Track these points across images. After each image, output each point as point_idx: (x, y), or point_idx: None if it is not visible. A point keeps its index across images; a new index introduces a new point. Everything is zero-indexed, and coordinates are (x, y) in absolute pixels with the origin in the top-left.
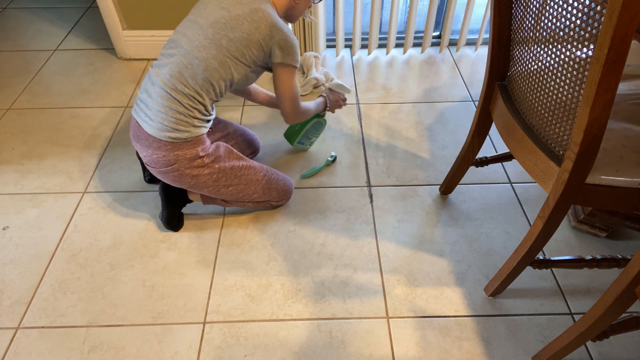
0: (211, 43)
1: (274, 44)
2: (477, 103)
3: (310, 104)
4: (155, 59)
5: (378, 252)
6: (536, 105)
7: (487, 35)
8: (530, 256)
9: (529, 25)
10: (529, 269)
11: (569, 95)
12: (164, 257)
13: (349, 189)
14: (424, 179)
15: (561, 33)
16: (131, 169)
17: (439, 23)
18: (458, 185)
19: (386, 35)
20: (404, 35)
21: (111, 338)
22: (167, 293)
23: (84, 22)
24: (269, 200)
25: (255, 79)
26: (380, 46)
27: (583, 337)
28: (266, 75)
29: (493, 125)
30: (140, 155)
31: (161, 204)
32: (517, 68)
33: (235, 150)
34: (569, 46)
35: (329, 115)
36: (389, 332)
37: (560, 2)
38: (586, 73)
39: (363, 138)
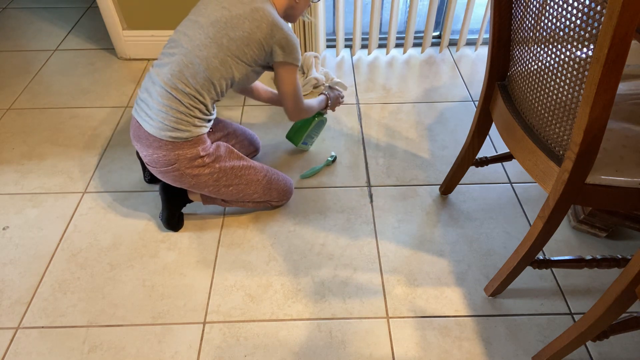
0: (212, 42)
1: (274, 43)
2: (477, 103)
3: (313, 101)
4: (155, 59)
5: (378, 252)
6: (536, 105)
7: (487, 35)
8: (530, 256)
9: (529, 25)
10: (529, 269)
11: (569, 95)
12: (164, 257)
13: (349, 189)
14: (424, 179)
15: (561, 33)
16: (131, 169)
17: (439, 23)
18: (458, 185)
19: (386, 35)
20: (404, 35)
21: (111, 338)
22: (167, 293)
23: (84, 22)
24: (269, 200)
25: (255, 78)
26: (380, 46)
27: (583, 337)
28: (267, 75)
29: (493, 125)
30: (140, 154)
31: (161, 204)
32: (517, 68)
33: (235, 150)
34: (569, 46)
35: (328, 115)
36: (389, 332)
37: (560, 2)
38: (586, 73)
39: (363, 138)
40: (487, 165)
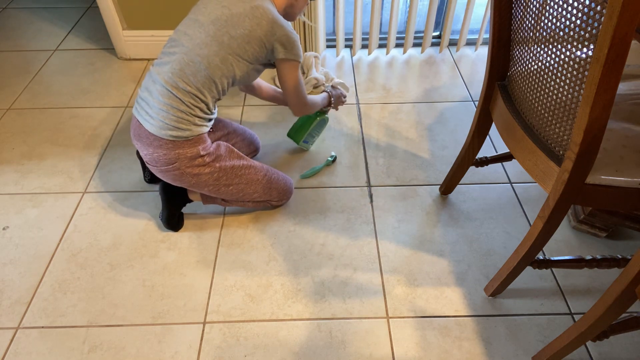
0: (213, 40)
1: (275, 41)
2: (477, 103)
3: (316, 97)
4: (155, 59)
5: (378, 252)
6: (536, 105)
7: (487, 35)
8: (530, 256)
9: (529, 25)
10: (529, 269)
11: (569, 95)
12: (164, 257)
13: (349, 189)
14: (424, 179)
15: (561, 33)
16: (131, 169)
17: (439, 23)
18: (458, 185)
19: (386, 35)
20: (404, 35)
21: (111, 338)
22: (167, 293)
23: (84, 22)
24: (269, 200)
25: (256, 76)
26: (380, 46)
27: (583, 337)
28: (267, 73)
29: (493, 125)
30: (141, 154)
31: (161, 203)
32: (517, 68)
33: (236, 150)
34: (569, 46)
35: (329, 115)
36: (389, 332)
37: (560, 2)
38: (586, 73)
39: (363, 138)
40: (487, 165)
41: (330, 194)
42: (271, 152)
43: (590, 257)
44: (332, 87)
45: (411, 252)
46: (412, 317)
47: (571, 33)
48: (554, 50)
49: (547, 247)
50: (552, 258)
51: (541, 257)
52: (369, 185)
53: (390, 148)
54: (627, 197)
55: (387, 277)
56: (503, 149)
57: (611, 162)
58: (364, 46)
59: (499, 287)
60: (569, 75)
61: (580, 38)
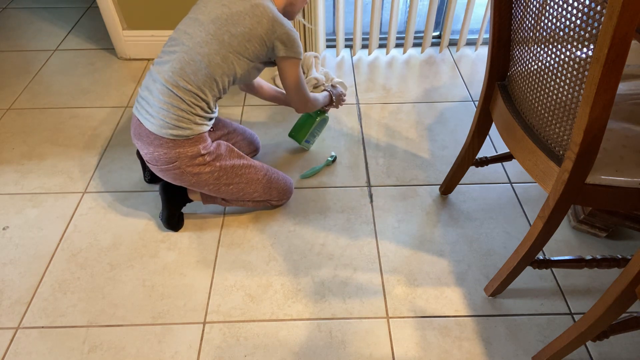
0: (213, 39)
1: (275, 39)
2: (477, 103)
3: (318, 95)
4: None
5: (378, 252)
6: (536, 105)
7: (487, 35)
8: (530, 256)
9: (529, 25)
10: (529, 269)
11: (569, 95)
12: (164, 257)
13: (349, 189)
14: (424, 179)
15: (561, 33)
16: (131, 169)
17: (439, 23)
18: (458, 185)
19: (386, 35)
20: (404, 35)
21: (111, 338)
22: (167, 293)
23: (84, 22)
24: (269, 200)
25: (257, 74)
26: (381, 46)
27: (583, 337)
28: (267, 73)
29: (493, 125)
30: (141, 153)
31: (161, 203)
32: (517, 68)
33: (236, 149)
34: (569, 46)
35: (329, 114)
36: (389, 332)
37: (560, 2)
38: (586, 73)
39: (363, 138)
40: (487, 165)
41: (330, 194)
42: (271, 152)
43: (590, 257)
44: (332, 86)
45: (411, 252)
46: (412, 317)
47: (571, 33)
48: (554, 50)
49: (547, 247)
50: (552, 258)
51: (541, 257)
52: (369, 185)
53: (390, 148)
54: (627, 197)
55: (387, 277)
56: (503, 149)
57: (611, 162)
58: (364, 46)
59: (499, 287)
60: (569, 75)
61: (580, 38)
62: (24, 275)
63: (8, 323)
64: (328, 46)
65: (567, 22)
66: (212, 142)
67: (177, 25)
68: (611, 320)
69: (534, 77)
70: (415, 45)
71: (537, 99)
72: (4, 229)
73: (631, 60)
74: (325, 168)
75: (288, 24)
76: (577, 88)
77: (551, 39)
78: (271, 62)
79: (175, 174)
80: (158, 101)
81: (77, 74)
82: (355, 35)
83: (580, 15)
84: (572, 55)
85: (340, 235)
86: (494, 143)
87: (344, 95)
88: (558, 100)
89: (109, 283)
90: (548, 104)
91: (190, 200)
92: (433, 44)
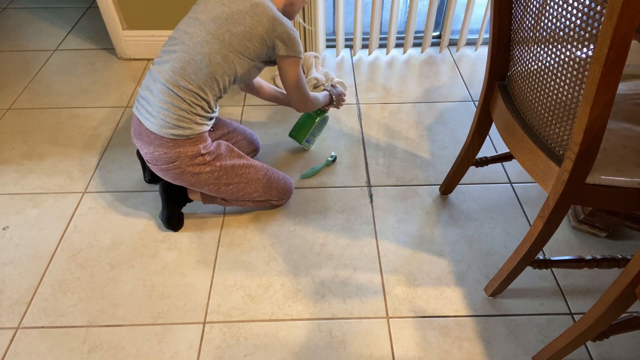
0: (213, 38)
1: (276, 38)
2: (477, 103)
3: (318, 94)
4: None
5: (378, 252)
6: (536, 105)
7: (487, 35)
8: (530, 256)
9: (529, 25)
10: (529, 269)
11: (569, 95)
12: (164, 257)
13: (349, 189)
14: (424, 179)
15: (561, 33)
16: (131, 169)
17: (439, 23)
18: (458, 185)
19: (386, 35)
20: (404, 35)
21: (111, 338)
22: (167, 293)
23: (84, 22)
24: (269, 200)
25: (257, 73)
26: (381, 46)
27: (583, 337)
28: (267, 73)
29: (493, 125)
30: (141, 152)
31: (161, 203)
32: (517, 68)
33: (236, 149)
34: (569, 46)
35: (329, 114)
36: (389, 332)
37: (560, 2)
38: (586, 73)
39: (363, 138)
40: (487, 165)
41: (330, 194)
42: (271, 152)
43: (590, 257)
44: (332, 86)
45: (411, 252)
46: (412, 317)
47: (571, 33)
48: (554, 50)
49: (547, 247)
50: (552, 258)
51: (541, 257)
52: (369, 185)
53: (390, 148)
54: (627, 197)
55: (387, 277)
56: (503, 149)
57: (611, 162)
58: (364, 46)
59: (499, 287)
60: (569, 75)
61: (580, 38)
62: (24, 275)
63: (8, 323)
64: (328, 46)
65: (567, 22)
66: (212, 141)
67: (177, 25)
68: (611, 320)
69: (534, 77)
70: (415, 45)
71: (537, 99)
72: (4, 229)
73: (631, 60)
74: (325, 168)
75: (288, 23)
76: (577, 88)
77: (551, 39)
78: (271, 62)
79: (176, 174)
80: (158, 101)
81: (77, 74)
82: (355, 35)
83: (580, 15)
84: (572, 55)
85: (340, 235)
86: (494, 143)
87: (344, 95)
88: (558, 100)
89: (109, 283)
90: (548, 104)
91: (190, 200)
92: (433, 44)
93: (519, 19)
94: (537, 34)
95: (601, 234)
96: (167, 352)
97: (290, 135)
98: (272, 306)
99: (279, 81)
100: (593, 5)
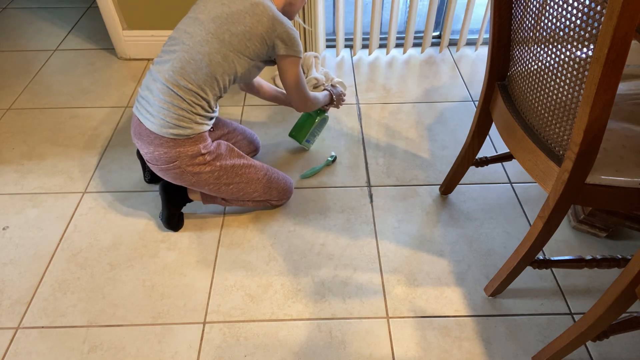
0: (213, 38)
1: (276, 37)
2: (477, 103)
3: (318, 94)
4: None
5: (378, 252)
6: (536, 105)
7: (487, 35)
8: (530, 256)
9: (529, 25)
10: (529, 269)
11: (569, 95)
12: (164, 257)
13: (349, 189)
14: (424, 179)
15: (561, 33)
16: (131, 169)
17: (439, 23)
18: (458, 185)
19: (386, 35)
20: (404, 35)
21: (111, 338)
22: (167, 293)
23: (84, 22)
24: (269, 200)
25: (257, 73)
26: (381, 46)
27: (583, 337)
28: (267, 73)
29: (493, 125)
30: (141, 152)
31: (161, 203)
32: (517, 68)
33: (236, 149)
34: (569, 46)
35: (329, 114)
36: (389, 332)
37: (560, 2)
38: (586, 73)
39: (363, 138)
40: (487, 165)
41: (330, 194)
42: (271, 152)
43: (590, 257)
44: (332, 85)
45: (411, 252)
46: (412, 317)
47: (571, 33)
48: (554, 50)
49: (547, 247)
50: (552, 258)
51: (541, 257)
52: (369, 185)
53: (390, 148)
54: (627, 197)
55: (387, 277)
56: (503, 149)
57: (611, 162)
58: (364, 46)
59: (499, 287)
60: (569, 75)
61: (580, 38)
62: (24, 275)
63: (8, 323)
64: (328, 46)
65: (567, 22)
66: (212, 141)
67: (177, 25)
68: (611, 320)
69: (534, 77)
70: (415, 45)
71: (537, 99)
72: (4, 229)
73: (631, 60)
74: (325, 168)
75: (288, 22)
76: (577, 88)
77: (551, 39)
78: (271, 61)
79: (176, 174)
80: (158, 100)
81: (77, 74)
82: (356, 35)
83: (580, 15)
84: (572, 55)
85: (340, 235)
86: (494, 143)
87: (344, 95)
88: (558, 100)
89: (109, 283)
90: (548, 104)
91: (190, 200)
92: (433, 44)
93: (519, 19)
94: (537, 34)
95: (601, 234)
96: (167, 352)
97: (290, 135)
98: (272, 306)
99: (279, 81)
100: (593, 5)
